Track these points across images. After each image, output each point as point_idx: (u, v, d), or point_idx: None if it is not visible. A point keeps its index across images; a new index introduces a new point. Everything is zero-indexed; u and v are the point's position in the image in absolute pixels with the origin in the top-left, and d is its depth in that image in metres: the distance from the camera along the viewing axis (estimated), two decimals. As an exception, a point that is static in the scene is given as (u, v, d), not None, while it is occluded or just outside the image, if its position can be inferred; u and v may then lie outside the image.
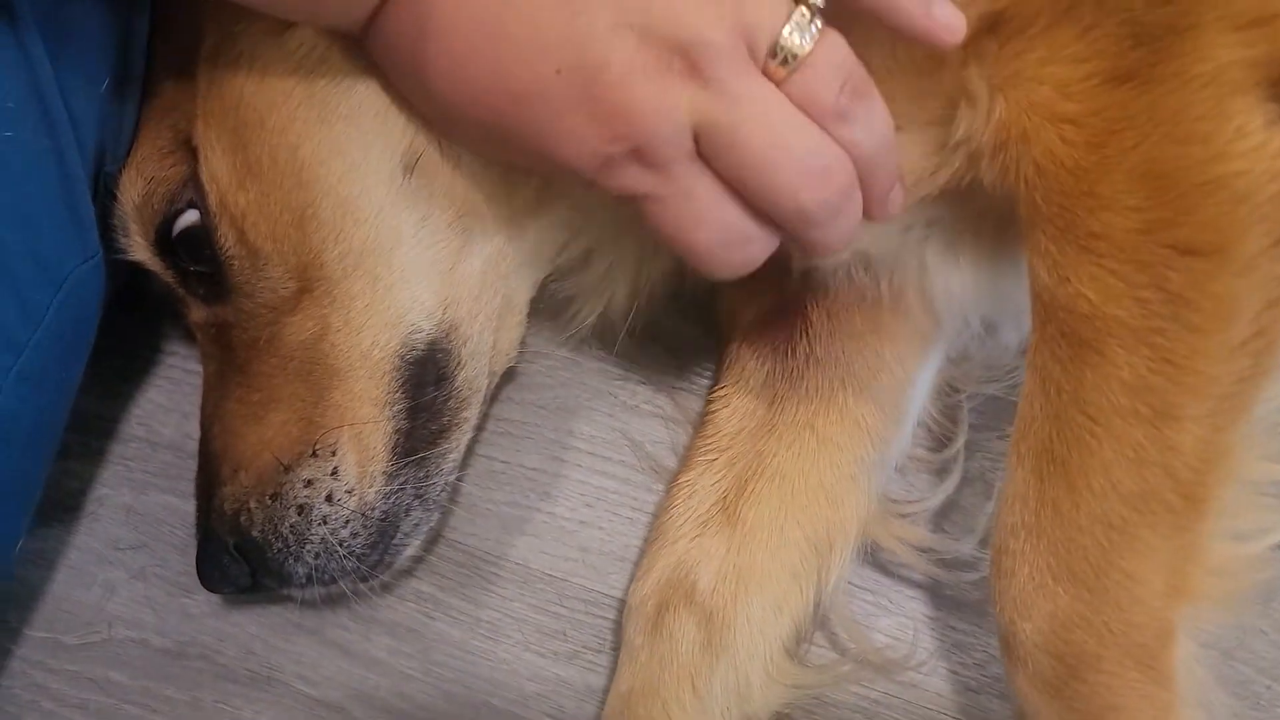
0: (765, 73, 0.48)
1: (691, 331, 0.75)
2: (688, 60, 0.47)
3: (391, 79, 0.54)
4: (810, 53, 0.47)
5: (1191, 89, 0.47)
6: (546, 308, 0.70)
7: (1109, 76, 0.48)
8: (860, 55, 0.49)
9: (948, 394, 0.71)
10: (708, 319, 0.74)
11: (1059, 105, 0.48)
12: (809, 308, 0.66)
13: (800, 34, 0.47)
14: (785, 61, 0.47)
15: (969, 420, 0.71)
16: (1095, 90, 0.48)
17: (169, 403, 0.76)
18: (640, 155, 0.48)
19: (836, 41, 0.48)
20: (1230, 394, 0.50)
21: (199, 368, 0.75)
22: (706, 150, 0.49)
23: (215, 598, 0.72)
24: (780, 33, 0.47)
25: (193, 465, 0.73)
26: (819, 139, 0.48)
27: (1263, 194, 0.47)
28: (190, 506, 0.72)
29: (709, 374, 0.74)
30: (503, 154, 0.55)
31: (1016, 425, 0.54)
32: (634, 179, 0.49)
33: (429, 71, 0.50)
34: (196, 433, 0.74)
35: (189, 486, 0.73)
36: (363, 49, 0.54)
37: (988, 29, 0.50)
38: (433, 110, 0.53)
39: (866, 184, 0.51)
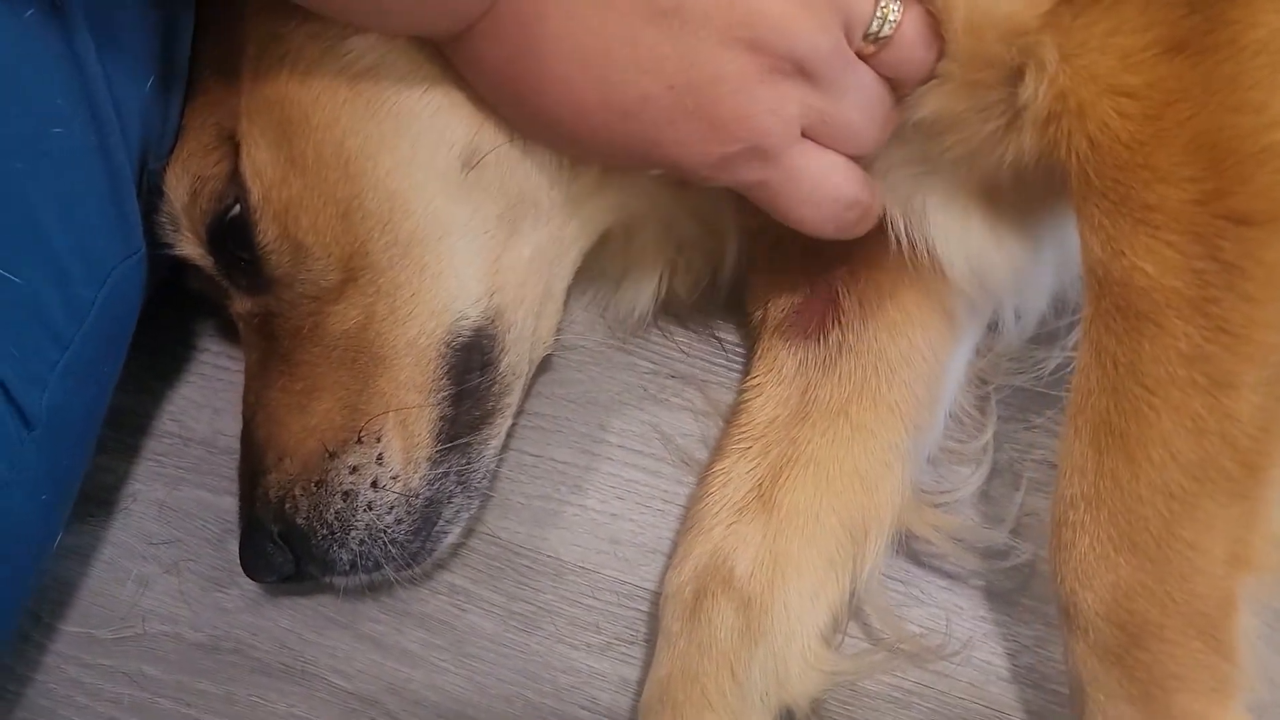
0: (858, 51, 0.54)
1: (721, 325, 0.76)
2: (799, 65, 0.52)
3: (477, 85, 0.57)
4: (895, 31, 0.53)
5: (1244, 57, 0.48)
6: (585, 297, 0.71)
7: (1167, 46, 0.49)
8: None
9: (976, 385, 0.72)
10: (737, 312, 0.76)
11: (1120, 77, 0.50)
12: (841, 295, 0.67)
13: (889, 18, 0.53)
14: (876, 40, 0.53)
15: (996, 412, 0.72)
16: (1154, 61, 0.49)
17: (202, 399, 0.78)
18: (756, 151, 0.54)
19: (914, 18, 0.53)
20: None
21: (231, 364, 0.77)
22: (811, 133, 0.55)
23: (249, 592, 0.73)
24: (871, 19, 0.53)
25: (225, 461, 0.75)
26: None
27: None
28: (223, 502, 0.74)
29: (738, 367, 0.75)
30: (591, 158, 0.59)
31: (1072, 399, 0.55)
32: (747, 171, 0.55)
33: (531, 86, 0.54)
34: (229, 428, 0.75)
35: (221, 482, 0.75)
36: (442, 51, 0.57)
37: None
38: (524, 118, 0.57)
39: None
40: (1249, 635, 0.54)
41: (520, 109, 0.56)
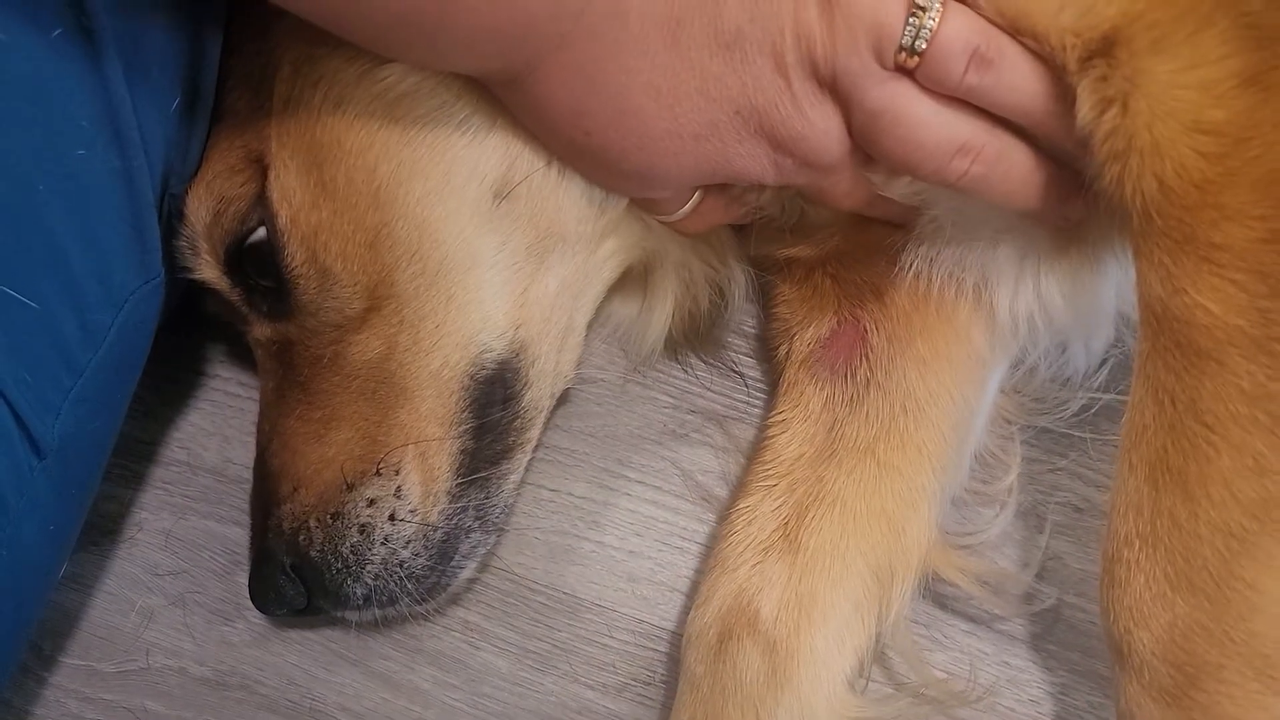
0: (899, 66, 0.53)
1: (742, 360, 0.76)
2: (834, 86, 0.54)
3: (536, 127, 0.58)
4: (931, 43, 0.52)
5: None
6: (605, 329, 0.71)
7: (1243, 79, 0.49)
8: None
9: (1000, 426, 0.71)
10: (758, 346, 0.75)
11: (1203, 112, 0.49)
12: (869, 331, 0.67)
13: (916, 32, 0.52)
14: (913, 53, 0.53)
15: (1020, 453, 0.71)
16: (1235, 94, 0.49)
17: (211, 426, 0.77)
18: (809, 164, 0.57)
19: (958, 24, 0.52)
20: None
21: (242, 391, 0.76)
22: (861, 146, 0.57)
23: (256, 626, 0.72)
24: (902, 33, 0.52)
25: (234, 490, 0.74)
26: (950, 123, 0.54)
27: None
28: (231, 532, 0.73)
29: (759, 403, 0.75)
30: (655, 184, 0.60)
31: (1126, 435, 0.54)
32: (804, 177, 0.58)
33: (600, 123, 0.55)
34: (238, 457, 0.74)
35: (230, 512, 0.74)
36: (490, 90, 0.57)
37: (1125, 31, 0.50)
38: (588, 153, 0.58)
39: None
40: None
41: (586, 144, 0.57)
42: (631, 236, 0.66)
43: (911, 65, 0.53)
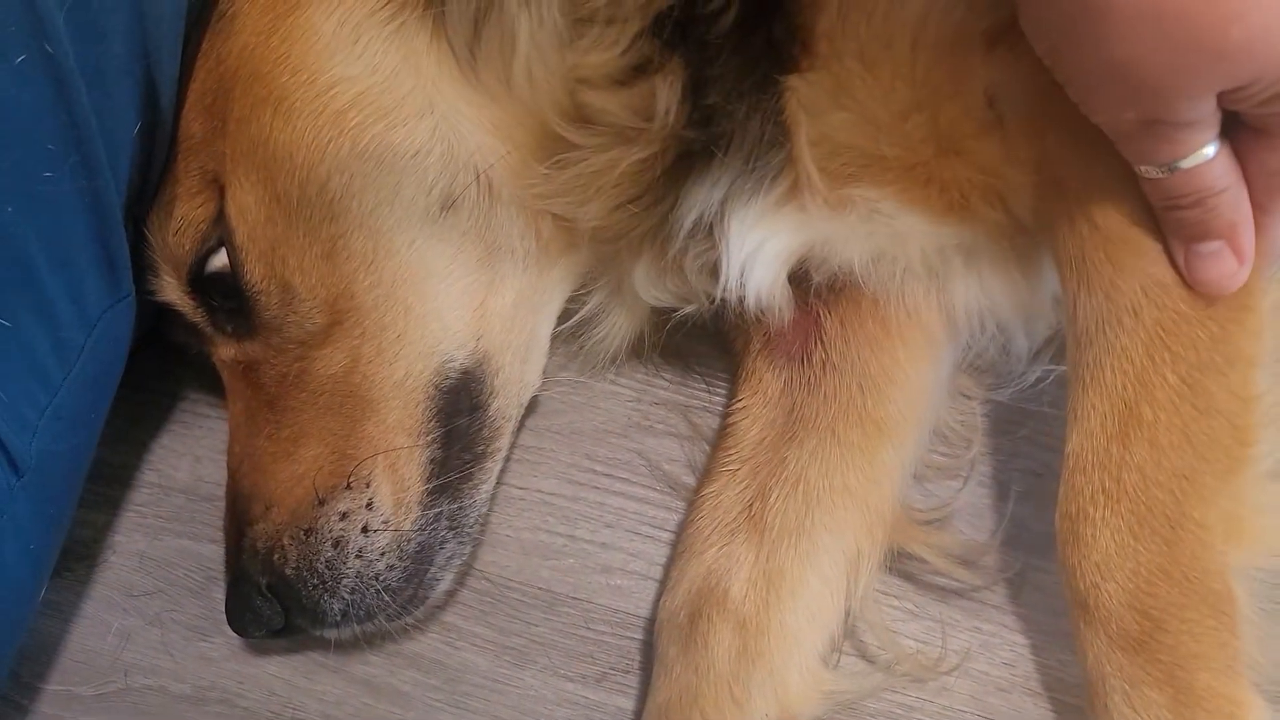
0: None
1: (702, 349, 0.79)
2: None
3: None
4: None
5: None
6: (565, 339, 0.74)
7: None
8: None
9: (960, 401, 0.75)
10: (717, 336, 0.78)
11: None
12: (822, 316, 0.70)
13: None
14: None
15: (981, 426, 0.75)
16: None
17: (181, 447, 0.79)
18: None
19: None
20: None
21: (211, 411, 0.79)
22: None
23: (234, 640, 0.74)
24: None
25: (207, 508, 0.77)
26: None
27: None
28: (205, 549, 0.76)
29: (721, 391, 0.78)
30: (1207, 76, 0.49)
31: (1089, 398, 0.58)
32: None
33: None
34: (210, 475, 0.77)
35: (203, 530, 0.76)
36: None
37: None
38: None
39: None
40: (1248, 611, 0.57)
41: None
42: (582, 254, 0.68)
43: None
